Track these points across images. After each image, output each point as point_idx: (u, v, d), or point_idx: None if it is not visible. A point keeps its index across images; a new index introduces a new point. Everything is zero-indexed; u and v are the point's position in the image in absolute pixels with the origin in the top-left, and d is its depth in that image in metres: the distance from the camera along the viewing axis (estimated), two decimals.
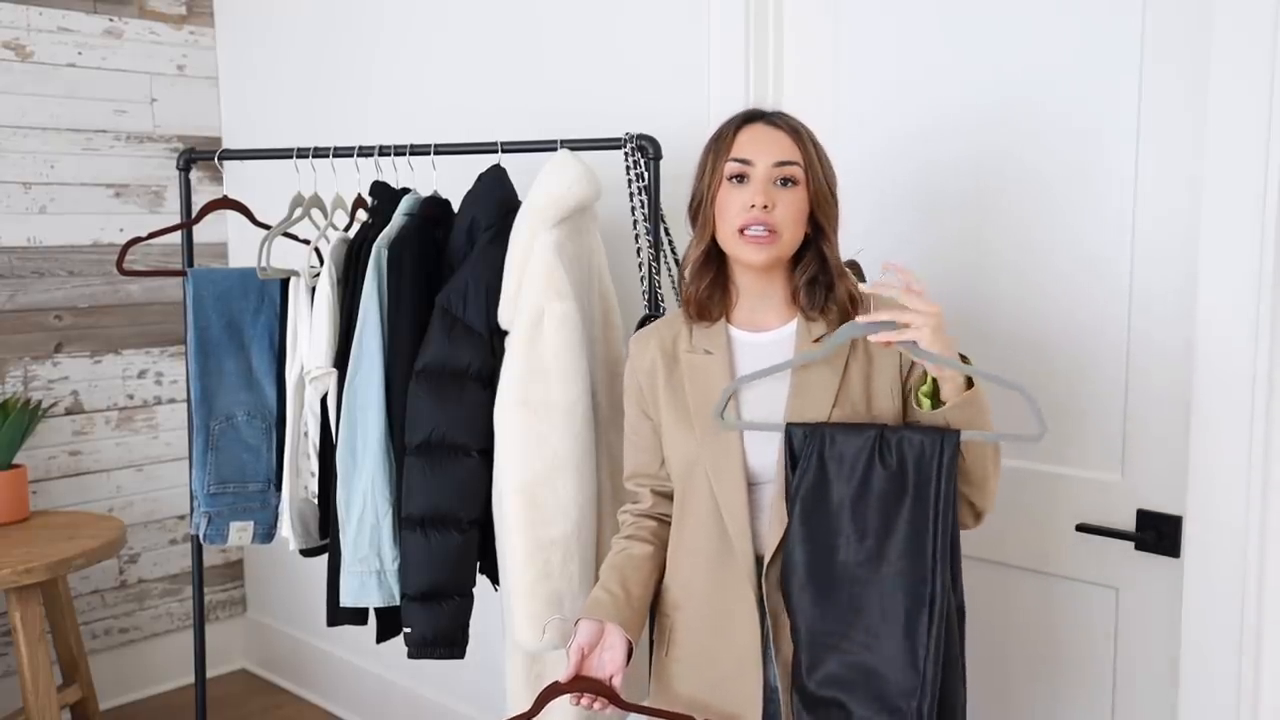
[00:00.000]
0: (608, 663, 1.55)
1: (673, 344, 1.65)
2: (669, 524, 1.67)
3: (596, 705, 1.54)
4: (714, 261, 1.60)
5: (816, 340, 1.56)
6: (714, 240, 1.57)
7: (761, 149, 1.51)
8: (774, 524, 1.53)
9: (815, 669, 1.48)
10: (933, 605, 1.42)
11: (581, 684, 1.53)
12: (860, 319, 1.44)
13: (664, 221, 2.03)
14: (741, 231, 1.51)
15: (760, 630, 1.55)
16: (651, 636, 1.72)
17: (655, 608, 1.70)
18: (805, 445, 1.48)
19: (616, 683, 1.55)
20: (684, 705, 1.60)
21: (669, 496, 1.68)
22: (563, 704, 1.60)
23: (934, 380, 1.47)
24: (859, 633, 1.46)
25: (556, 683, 1.53)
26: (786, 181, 1.51)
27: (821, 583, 1.48)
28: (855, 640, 1.46)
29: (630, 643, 1.57)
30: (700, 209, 1.57)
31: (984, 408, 1.45)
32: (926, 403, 1.48)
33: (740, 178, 1.52)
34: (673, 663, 1.64)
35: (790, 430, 1.49)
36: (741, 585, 1.55)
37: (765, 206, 1.49)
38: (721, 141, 1.54)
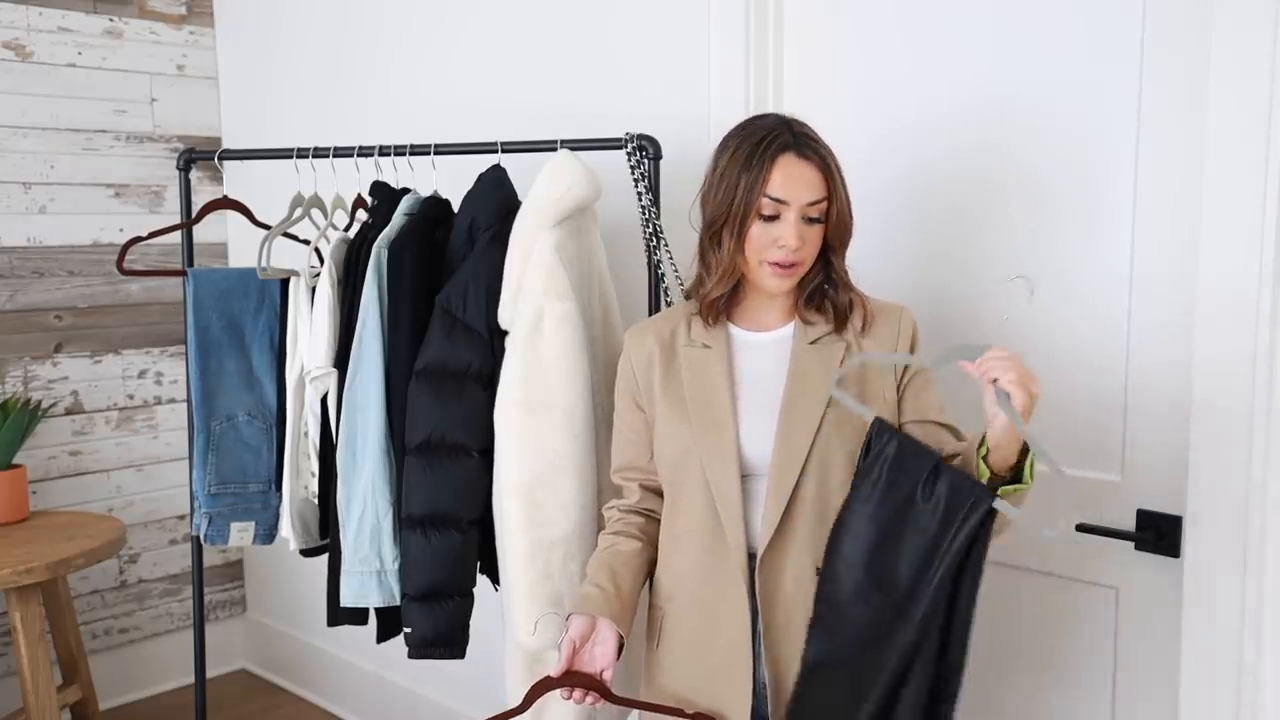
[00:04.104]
0: (599, 657, 1.56)
1: (671, 337, 1.67)
2: (656, 520, 1.69)
3: (588, 700, 1.55)
4: (732, 275, 1.61)
5: (813, 343, 1.59)
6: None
7: (797, 189, 1.51)
8: (767, 518, 1.54)
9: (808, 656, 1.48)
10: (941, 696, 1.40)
11: (573, 679, 1.54)
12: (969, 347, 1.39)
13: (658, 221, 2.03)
14: (768, 262, 1.54)
15: (750, 627, 1.56)
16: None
17: (648, 600, 1.71)
18: (880, 441, 1.45)
19: (608, 677, 1.56)
20: (673, 699, 1.61)
21: (656, 492, 1.70)
22: (561, 702, 1.60)
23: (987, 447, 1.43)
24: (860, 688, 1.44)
25: (548, 677, 1.54)
26: (815, 217, 1.54)
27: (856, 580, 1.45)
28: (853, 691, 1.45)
29: (621, 637, 1.58)
30: (721, 232, 1.56)
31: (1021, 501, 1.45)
32: (985, 471, 1.45)
33: (774, 215, 1.52)
34: (663, 655, 1.66)
35: (877, 421, 1.48)
36: (733, 578, 1.56)
37: (797, 248, 1.52)
38: (755, 171, 1.51)
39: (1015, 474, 1.44)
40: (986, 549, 1.41)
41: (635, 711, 1.73)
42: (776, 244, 1.52)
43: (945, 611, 1.40)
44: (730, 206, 1.53)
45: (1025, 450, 1.42)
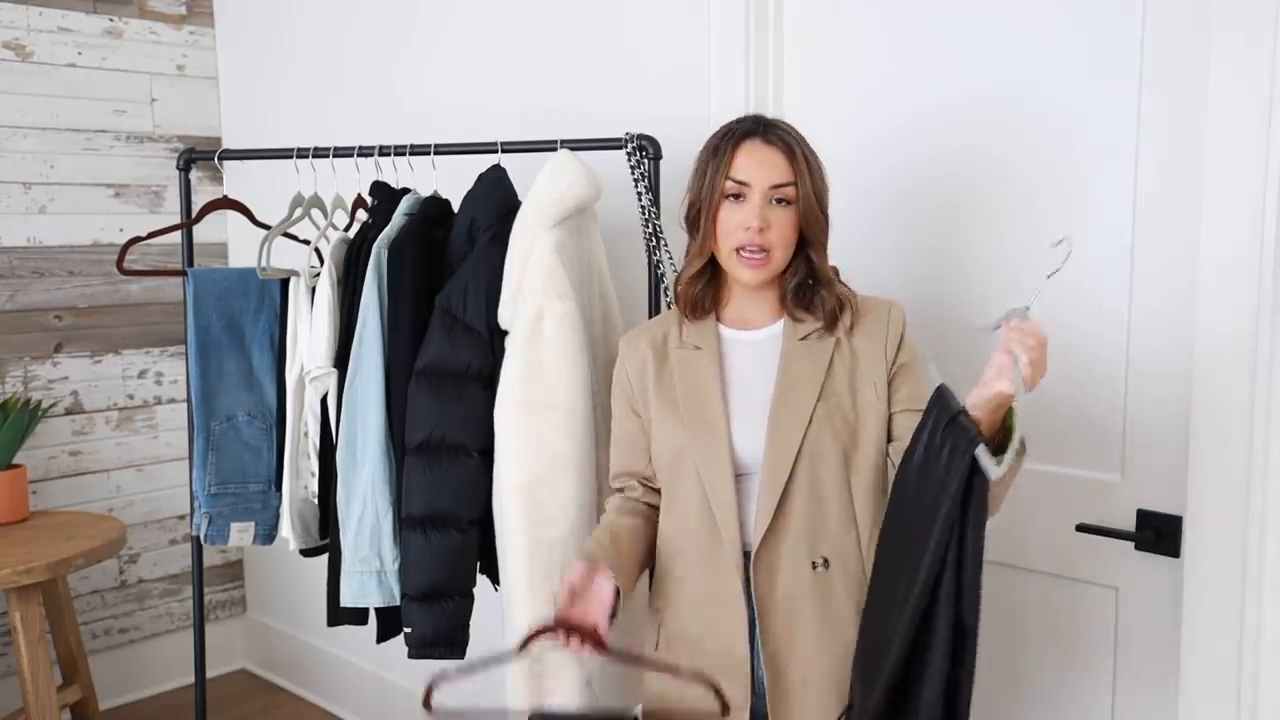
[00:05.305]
0: (594, 608, 1.52)
1: (663, 340, 1.69)
2: (657, 509, 1.70)
3: (585, 649, 1.51)
4: (709, 266, 1.63)
5: (802, 339, 1.60)
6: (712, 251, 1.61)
7: (758, 171, 1.55)
8: (761, 514, 1.55)
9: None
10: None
11: (568, 624, 1.50)
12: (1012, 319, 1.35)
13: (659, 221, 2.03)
14: (738, 251, 1.56)
15: (748, 624, 1.56)
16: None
17: (648, 602, 1.71)
18: (934, 408, 1.41)
19: (603, 628, 1.52)
20: (673, 699, 1.59)
21: (657, 493, 1.71)
22: (561, 677, 1.57)
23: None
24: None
25: (543, 624, 1.50)
26: (781, 200, 1.55)
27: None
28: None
29: (618, 590, 1.55)
30: (698, 219, 1.60)
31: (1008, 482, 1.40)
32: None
33: (737, 196, 1.56)
34: (662, 656, 1.65)
35: (940, 388, 1.43)
36: (729, 577, 1.57)
37: (761, 229, 1.54)
38: (720, 157, 1.57)
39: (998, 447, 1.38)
40: (985, 498, 1.35)
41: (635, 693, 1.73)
42: (742, 227, 1.54)
43: (957, 549, 1.36)
44: (700, 193, 1.59)
45: (1004, 429, 1.37)
